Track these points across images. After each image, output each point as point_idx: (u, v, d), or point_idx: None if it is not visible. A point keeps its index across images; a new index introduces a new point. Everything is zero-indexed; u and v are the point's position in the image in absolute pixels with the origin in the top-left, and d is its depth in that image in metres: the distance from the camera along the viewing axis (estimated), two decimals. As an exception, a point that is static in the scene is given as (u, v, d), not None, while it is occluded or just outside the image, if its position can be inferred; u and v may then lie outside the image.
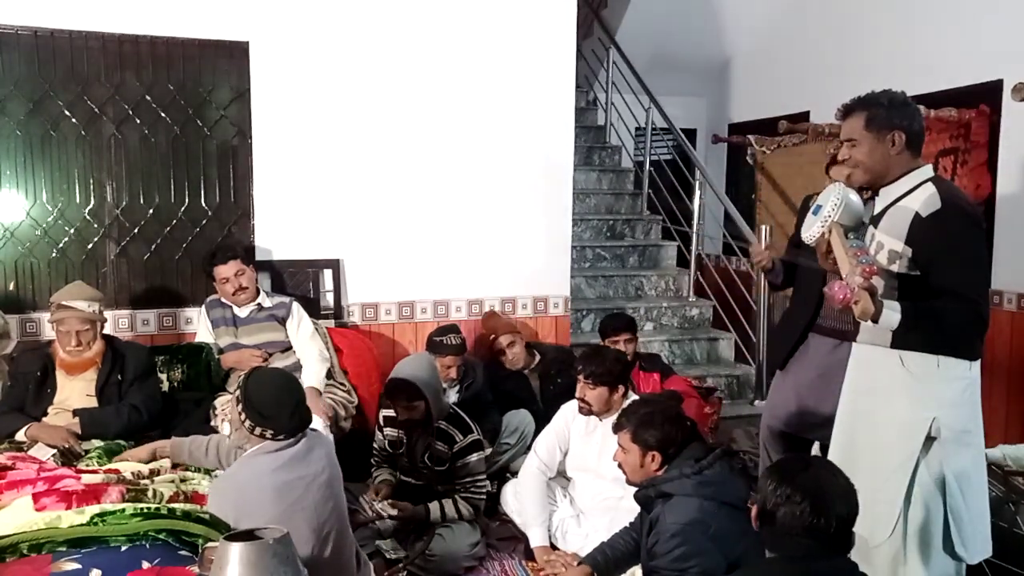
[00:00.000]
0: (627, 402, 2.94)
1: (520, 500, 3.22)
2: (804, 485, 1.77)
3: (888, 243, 2.20)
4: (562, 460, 3.31)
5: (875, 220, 2.28)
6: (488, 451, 3.65)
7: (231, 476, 2.37)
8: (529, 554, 3.15)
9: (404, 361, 3.24)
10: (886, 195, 2.26)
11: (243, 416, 2.29)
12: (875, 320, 2.04)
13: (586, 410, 3.13)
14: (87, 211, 3.74)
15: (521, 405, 3.93)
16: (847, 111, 2.28)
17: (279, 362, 3.57)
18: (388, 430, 3.27)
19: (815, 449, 3.20)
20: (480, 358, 4.10)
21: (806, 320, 3.01)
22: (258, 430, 2.28)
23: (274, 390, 2.32)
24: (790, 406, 3.04)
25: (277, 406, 2.28)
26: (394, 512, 3.03)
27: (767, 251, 3.05)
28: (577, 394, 3.16)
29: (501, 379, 4.02)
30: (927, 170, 2.23)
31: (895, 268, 2.19)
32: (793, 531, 1.76)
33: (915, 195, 2.18)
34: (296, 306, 3.71)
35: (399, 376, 3.06)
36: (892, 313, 2.06)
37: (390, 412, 3.23)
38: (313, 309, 3.97)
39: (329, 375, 3.67)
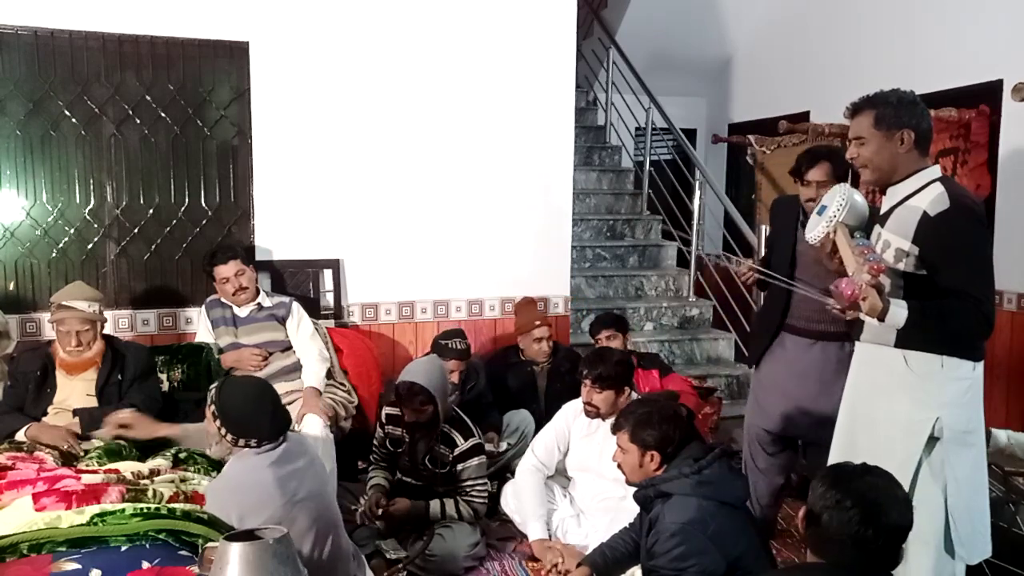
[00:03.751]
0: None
1: (518, 497, 3.23)
2: (857, 492, 1.70)
3: (895, 242, 2.20)
4: (561, 460, 3.31)
5: (882, 219, 2.28)
6: (504, 446, 3.67)
7: (228, 477, 2.37)
8: (532, 556, 3.15)
9: (416, 363, 3.23)
10: (893, 194, 2.26)
11: (223, 430, 2.29)
12: (882, 318, 2.04)
13: (593, 413, 3.13)
14: (87, 211, 3.74)
15: (521, 400, 3.95)
16: (855, 109, 2.27)
17: (279, 362, 3.57)
18: (390, 428, 3.27)
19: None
20: (498, 346, 4.17)
21: (777, 319, 3.06)
22: (242, 442, 2.28)
23: (249, 401, 2.32)
24: (775, 407, 3.08)
25: (256, 415, 2.28)
26: (390, 516, 3.04)
27: (751, 269, 3.04)
28: (583, 398, 3.15)
29: (506, 369, 4.04)
30: (935, 170, 2.23)
31: (902, 267, 2.19)
32: (838, 538, 1.69)
33: (923, 194, 2.17)
34: (296, 306, 3.71)
35: (412, 379, 3.04)
36: (899, 311, 2.06)
37: (394, 410, 3.23)
38: (313, 309, 3.97)
39: (329, 375, 3.67)
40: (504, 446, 3.72)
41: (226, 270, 3.56)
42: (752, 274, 3.03)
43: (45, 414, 3.07)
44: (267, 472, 2.21)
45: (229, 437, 2.29)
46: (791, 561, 3.19)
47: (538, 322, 4.03)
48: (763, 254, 3.61)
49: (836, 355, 2.96)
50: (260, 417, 2.27)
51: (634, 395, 3.20)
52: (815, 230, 2.28)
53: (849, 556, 1.69)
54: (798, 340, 3.02)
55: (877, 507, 1.68)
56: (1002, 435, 3.03)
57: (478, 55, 4.21)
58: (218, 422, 2.30)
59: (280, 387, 3.12)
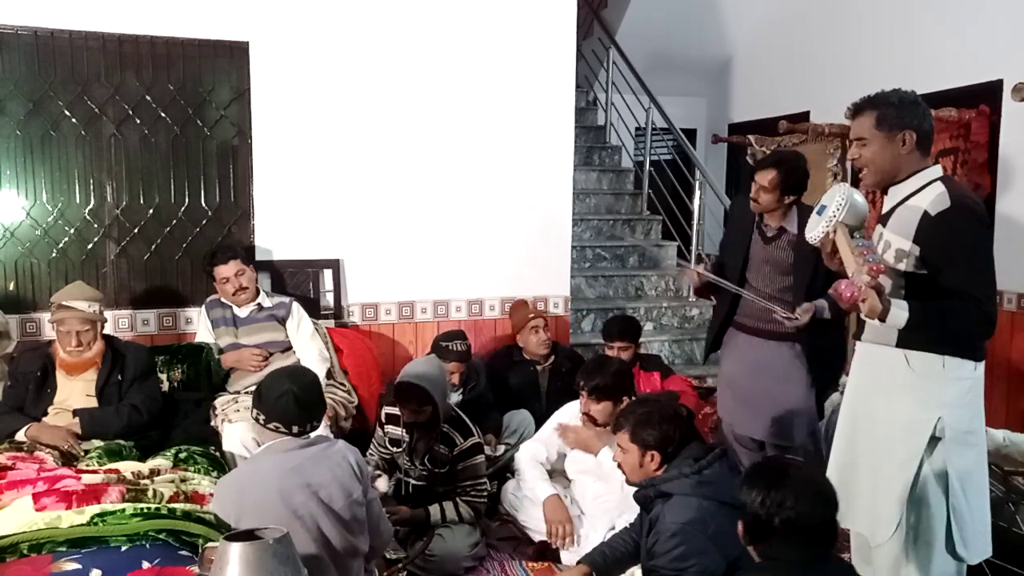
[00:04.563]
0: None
1: (519, 477, 3.29)
2: (794, 487, 1.77)
3: (896, 242, 2.19)
4: (558, 461, 3.33)
5: (883, 219, 2.28)
6: (502, 449, 3.66)
7: (237, 474, 2.38)
8: (532, 556, 3.16)
9: (414, 363, 3.23)
10: (895, 194, 2.25)
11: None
12: (882, 319, 2.04)
13: (591, 424, 3.14)
14: (87, 211, 3.74)
15: (523, 400, 3.95)
16: (857, 110, 2.27)
17: (279, 362, 3.57)
18: (390, 428, 3.27)
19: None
20: (500, 345, 4.20)
21: (723, 315, 3.17)
22: (254, 412, 2.30)
23: (274, 376, 2.35)
24: (735, 404, 3.19)
25: (268, 388, 2.28)
26: (394, 513, 3.03)
27: (698, 276, 3.13)
28: (581, 408, 3.15)
29: (508, 367, 4.05)
30: (936, 170, 2.22)
31: (902, 267, 2.18)
32: (797, 534, 1.75)
33: (924, 194, 2.17)
34: (296, 306, 3.71)
35: (410, 379, 3.04)
36: (900, 311, 2.05)
37: (393, 410, 3.23)
38: (313, 309, 3.97)
39: (329, 375, 3.67)
40: (501, 449, 3.72)
41: (226, 270, 3.56)
42: (698, 281, 3.11)
43: (45, 414, 3.07)
44: (273, 479, 2.19)
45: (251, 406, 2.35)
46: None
47: (531, 314, 4.05)
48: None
49: (788, 354, 3.03)
50: (273, 392, 2.27)
51: (625, 402, 3.22)
52: (815, 230, 2.27)
53: (811, 544, 1.77)
54: (751, 339, 3.11)
55: (817, 492, 1.78)
56: (999, 435, 3.04)
57: (478, 55, 4.21)
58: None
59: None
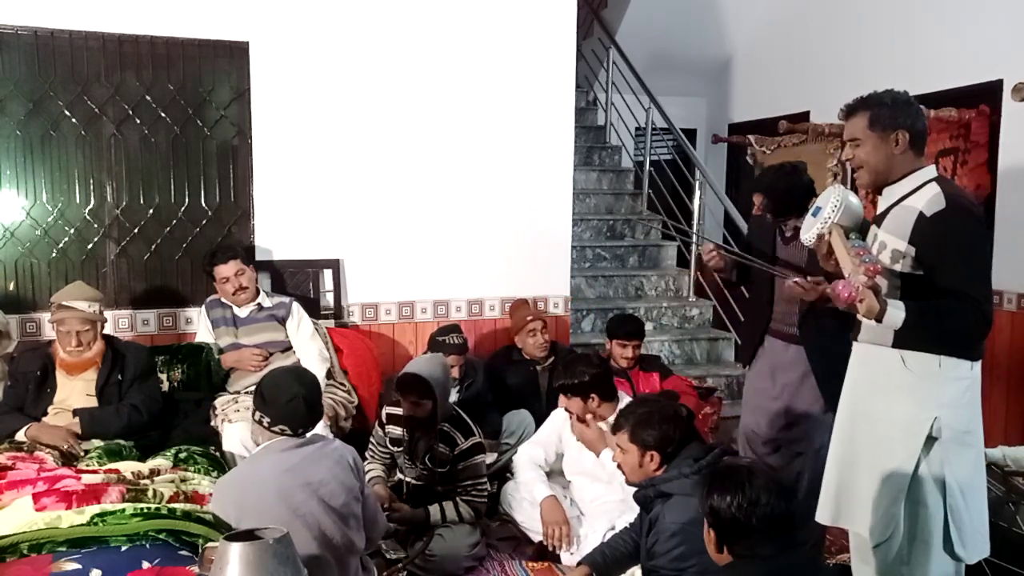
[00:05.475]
0: (622, 405, 2.95)
1: (517, 479, 3.30)
2: (762, 484, 1.82)
3: (891, 243, 2.19)
4: (556, 462, 3.34)
5: (878, 220, 2.28)
6: (492, 457, 3.66)
7: (236, 474, 2.38)
8: (532, 556, 3.16)
9: (418, 360, 3.25)
10: (889, 195, 2.26)
11: (252, 403, 2.34)
12: (879, 319, 2.04)
13: (572, 417, 3.20)
14: (87, 211, 3.74)
15: (523, 400, 3.95)
16: (850, 111, 2.27)
17: (279, 362, 3.57)
18: (391, 428, 3.27)
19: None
20: (498, 346, 4.21)
21: (763, 322, 3.13)
22: (257, 415, 2.30)
23: (279, 378, 2.35)
24: (754, 406, 3.19)
25: (275, 391, 2.29)
26: (394, 512, 3.04)
27: (717, 251, 3.10)
28: (559, 403, 3.23)
29: (508, 367, 4.05)
30: (931, 170, 2.22)
31: (898, 267, 2.18)
32: (777, 528, 1.80)
33: (919, 195, 2.17)
34: (296, 306, 3.72)
35: (413, 372, 3.06)
36: (896, 312, 2.05)
37: (394, 410, 3.23)
38: (313, 309, 3.97)
39: (329, 375, 3.67)
40: (492, 457, 3.71)
41: (226, 270, 3.56)
42: (715, 255, 3.08)
43: (45, 414, 3.07)
44: (273, 479, 2.20)
45: (252, 409, 2.34)
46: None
47: (529, 317, 4.05)
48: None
49: (807, 358, 2.99)
50: (279, 395, 2.28)
51: (626, 397, 3.23)
52: (810, 231, 2.28)
53: (785, 535, 1.82)
54: (775, 342, 3.10)
55: (779, 484, 1.85)
56: (996, 453, 3.03)
57: (478, 55, 4.21)
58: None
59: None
